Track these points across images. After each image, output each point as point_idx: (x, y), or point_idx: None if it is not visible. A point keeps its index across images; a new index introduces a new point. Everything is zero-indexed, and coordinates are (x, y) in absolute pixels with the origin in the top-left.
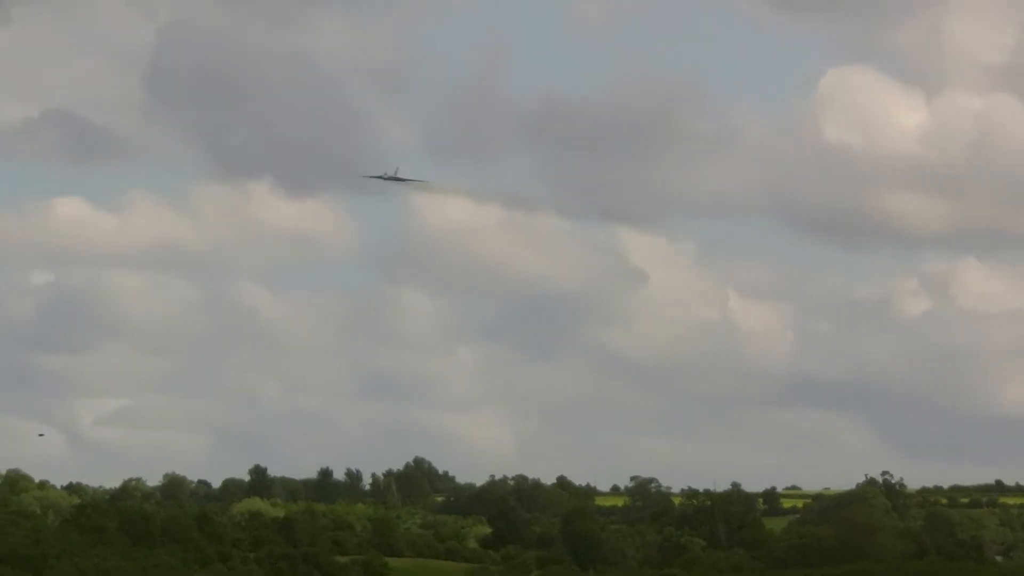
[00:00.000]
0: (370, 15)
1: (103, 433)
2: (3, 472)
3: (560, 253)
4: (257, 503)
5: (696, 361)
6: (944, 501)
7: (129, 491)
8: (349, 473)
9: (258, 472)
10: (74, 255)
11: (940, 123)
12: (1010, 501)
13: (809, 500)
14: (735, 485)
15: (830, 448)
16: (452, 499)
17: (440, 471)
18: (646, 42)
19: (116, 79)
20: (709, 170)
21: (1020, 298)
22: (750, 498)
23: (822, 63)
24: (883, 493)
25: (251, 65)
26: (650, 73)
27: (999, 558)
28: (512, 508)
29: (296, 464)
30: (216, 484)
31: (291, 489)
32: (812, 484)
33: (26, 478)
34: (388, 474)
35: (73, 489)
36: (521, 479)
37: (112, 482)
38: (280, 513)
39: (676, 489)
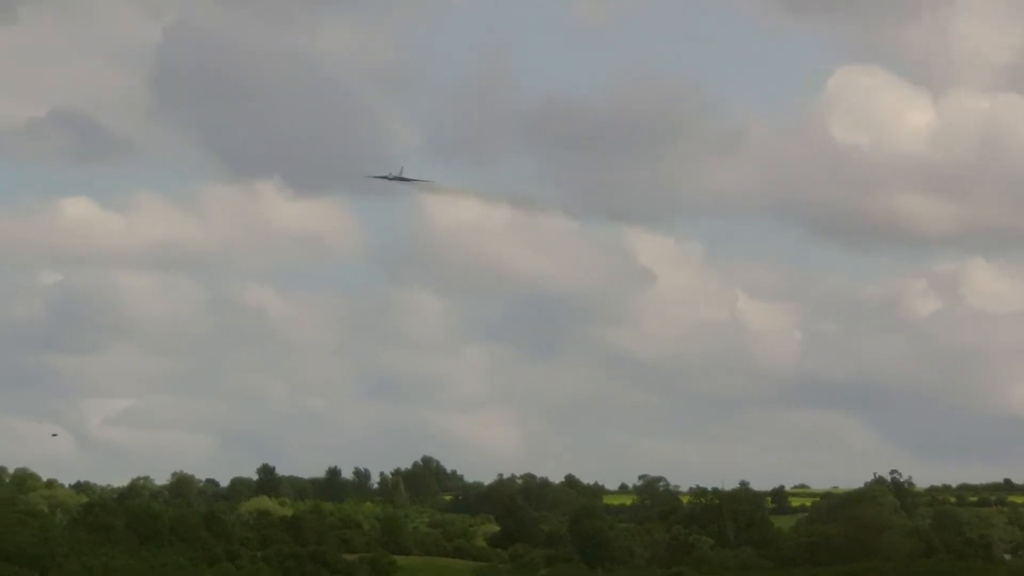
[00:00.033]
0: (373, 16)
1: (111, 433)
2: (11, 471)
3: (567, 253)
4: (265, 502)
5: (704, 361)
6: (952, 500)
7: (137, 490)
8: (357, 472)
9: (266, 471)
10: (81, 255)
11: (947, 123)
12: (1018, 500)
13: (817, 499)
14: (743, 484)
15: (838, 448)
16: (460, 498)
17: (448, 470)
18: (651, 42)
19: (122, 79)
20: (716, 170)
21: None
22: (758, 497)
23: (829, 63)
24: (891, 492)
25: (257, 65)
26: (655, 73)
27: (1007, 556)
28: (520, 507)
29: (304, 464)
30: (224, 483)
31: (299, 488)
32: (820, 483)
33: (34, 477)
34: (396, 473)
35: (81, 488)
36: (529, 478)
37: (120, 481)
38: (288, 512)
39: (684, 488)
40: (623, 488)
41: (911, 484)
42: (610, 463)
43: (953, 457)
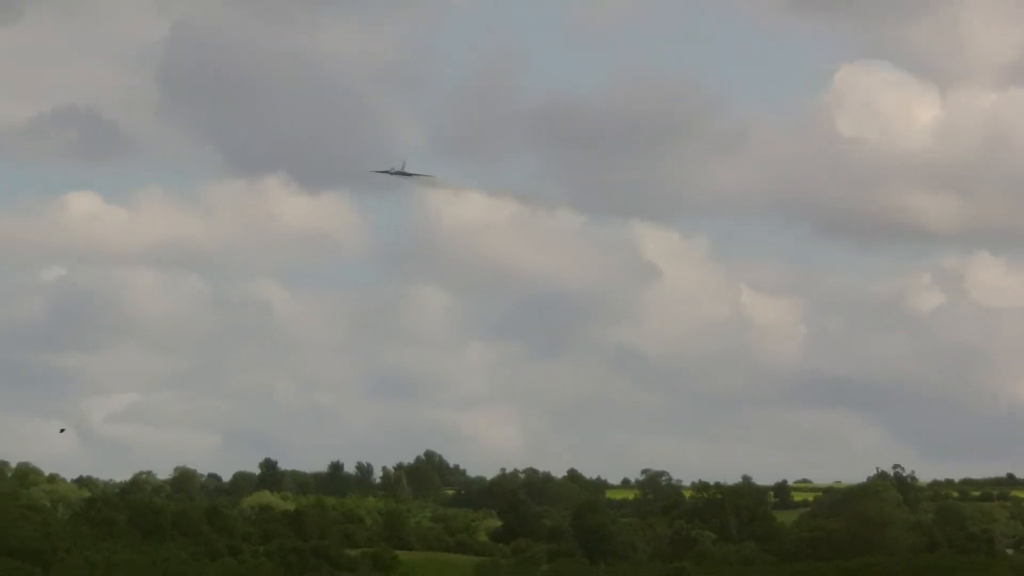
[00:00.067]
0: (377, 15)
1: (114, 430)
2: (13, 466)
3: (572, 250)
4: (267, 496)
5: (708, 357)
6: (955, 494)
7: (139, 484)
8: (360, 467)
9: (268, 466)
10: (86, 252)
11: (953, 119)
12: (1021, 494)
13: (820, 493)
14: (746, 478)
15: (842, 444)
16: (463, 492)
17: (451, 464)
18: (653, 41)
19: (127, 77)
20: (721, 167)
21: None
22: (761, 491)
23: (833, 60)
24: (894, 486)
25: (261, 64)
26: (658, 72)
27: (1010, 551)
28: (523, 501)
29: (306, 459)
30: (226, 478)
31: (301, 483)
32: (823, 479)
33: (36, 471)
34: (399, 467)
35: (83, 483)
36: (532, 472)
37: (122, 476)
38: (290, 506)
39: (687, 483)
40: (625, 483)
41: (914, 479)
42: (612, 460)
43: (956, 452)
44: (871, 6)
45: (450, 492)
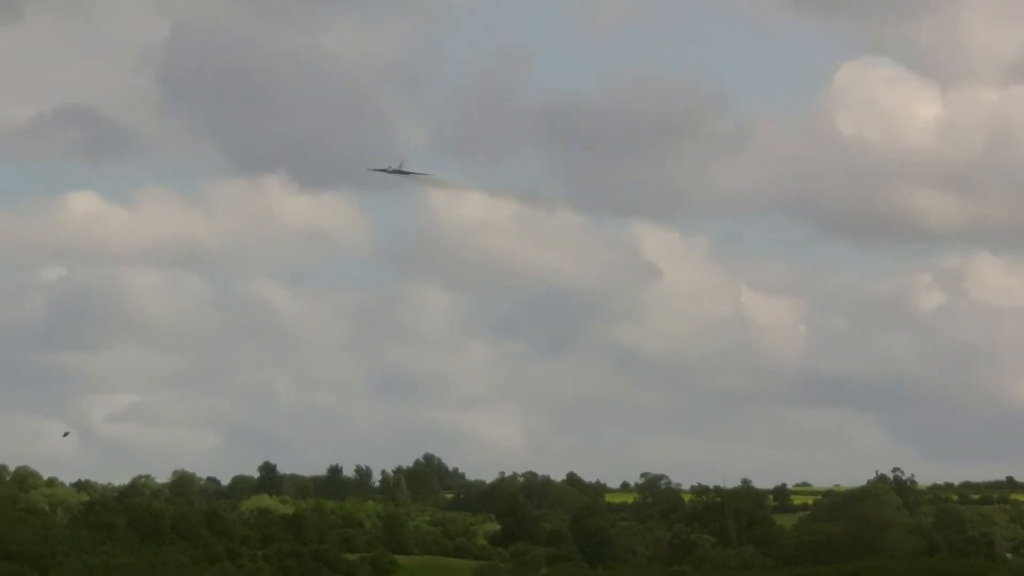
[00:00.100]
0: (379, 14)
1: (114, 430)
2: (11, 469)
3: (573, 249)
4: (266, 500)
5: (708, 357)
6: (955, 498)
7: (138, 488)
8: (359, 470)
9: (267, 469)
10: (86, 252)
11: (955, 117)
12: (1021, 498)
13: (819, 497)
14: (745, 482)
15: (842, 445)
16: (462, 496)
17: (450, 468)
18: (656, 41)
19: (129, 76)
20: (722, 167)
21: None
22: (760, 495)
23: (835, 59)
24: (894, 490)
25: (263, 62)
26: (661, 72)
27: (1010, 555)
28: (522, 505)
29: (306, 461)
30: (225, 481)
31: (300, 486)
32: (823, 481)
33: (34, 475)
34: (398, 471)
35: (82, 486)
36: (531, 476)
37: (122, 479)
38: (289, 510)
39: (686, 486)
40: (625, 486)
41: (913, 482)
42: (612, 461)
43: (956, 452)
44: (872, 5)
45: (449, 496)
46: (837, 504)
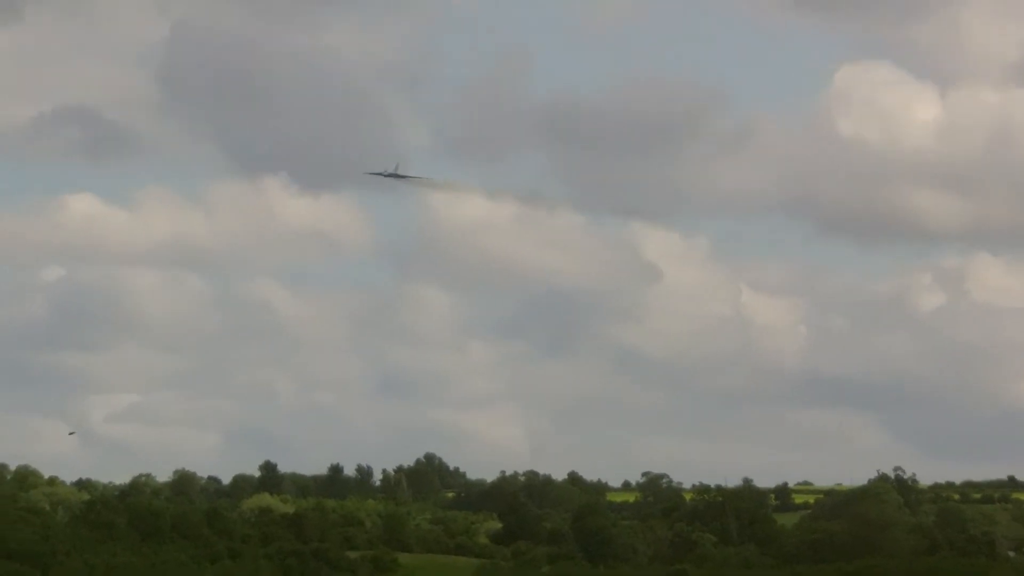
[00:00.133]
0: (381, 14)
1: (115, 430)
2: (12, 468)
3: (574, 249)
4: (267, 499)
5: (709, 357)
6: (956, 497)
7: (139, 487)
8: (360, 469)
9: (268, 468)
10: (86, 252)
11: (955, 118)
12: (1023, 497)
13: (821, 496)
14: (746, 481)
15: (843, 444)
16: (463, 495)
17: (451, 467)
18: (657, 41)
19: (129, 76)
20: (722, 167)
21: None
22: (761, 494)
23: (835, 59)
24: (895, 489)
25: (264, 63)
26: (661, 72)
27: (1011, 554)
28: (523, 504)
29: (307, 460)
30: (227, 478)
31: (301, 485)
32: (824, 480)
33: (35, 474)
34: (399, 470)
35: (82, 485)
36: (532, 475)
37: (123, 478)
38: (290, 509)
39: (687, 485)
40: (626, 485)
41: (915, 481)
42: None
43: (957, 452)
44: (872, 6)
45: (450, 494)
46: (838, 503)
